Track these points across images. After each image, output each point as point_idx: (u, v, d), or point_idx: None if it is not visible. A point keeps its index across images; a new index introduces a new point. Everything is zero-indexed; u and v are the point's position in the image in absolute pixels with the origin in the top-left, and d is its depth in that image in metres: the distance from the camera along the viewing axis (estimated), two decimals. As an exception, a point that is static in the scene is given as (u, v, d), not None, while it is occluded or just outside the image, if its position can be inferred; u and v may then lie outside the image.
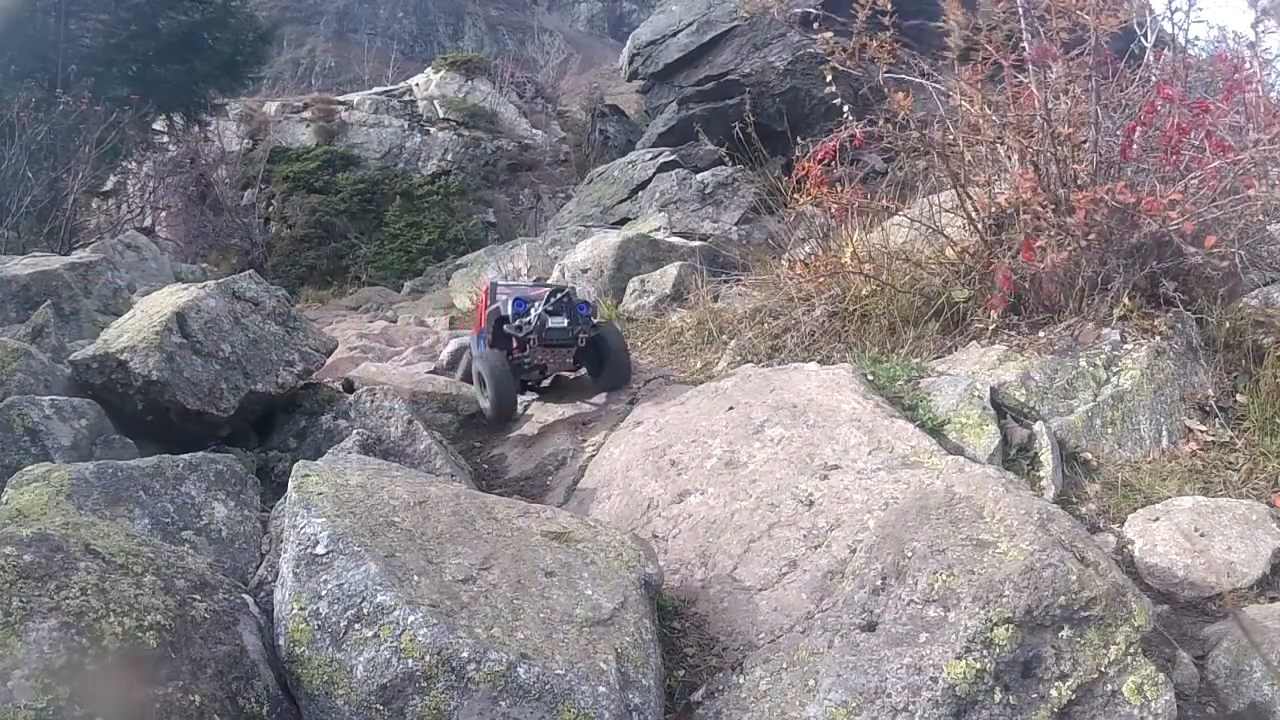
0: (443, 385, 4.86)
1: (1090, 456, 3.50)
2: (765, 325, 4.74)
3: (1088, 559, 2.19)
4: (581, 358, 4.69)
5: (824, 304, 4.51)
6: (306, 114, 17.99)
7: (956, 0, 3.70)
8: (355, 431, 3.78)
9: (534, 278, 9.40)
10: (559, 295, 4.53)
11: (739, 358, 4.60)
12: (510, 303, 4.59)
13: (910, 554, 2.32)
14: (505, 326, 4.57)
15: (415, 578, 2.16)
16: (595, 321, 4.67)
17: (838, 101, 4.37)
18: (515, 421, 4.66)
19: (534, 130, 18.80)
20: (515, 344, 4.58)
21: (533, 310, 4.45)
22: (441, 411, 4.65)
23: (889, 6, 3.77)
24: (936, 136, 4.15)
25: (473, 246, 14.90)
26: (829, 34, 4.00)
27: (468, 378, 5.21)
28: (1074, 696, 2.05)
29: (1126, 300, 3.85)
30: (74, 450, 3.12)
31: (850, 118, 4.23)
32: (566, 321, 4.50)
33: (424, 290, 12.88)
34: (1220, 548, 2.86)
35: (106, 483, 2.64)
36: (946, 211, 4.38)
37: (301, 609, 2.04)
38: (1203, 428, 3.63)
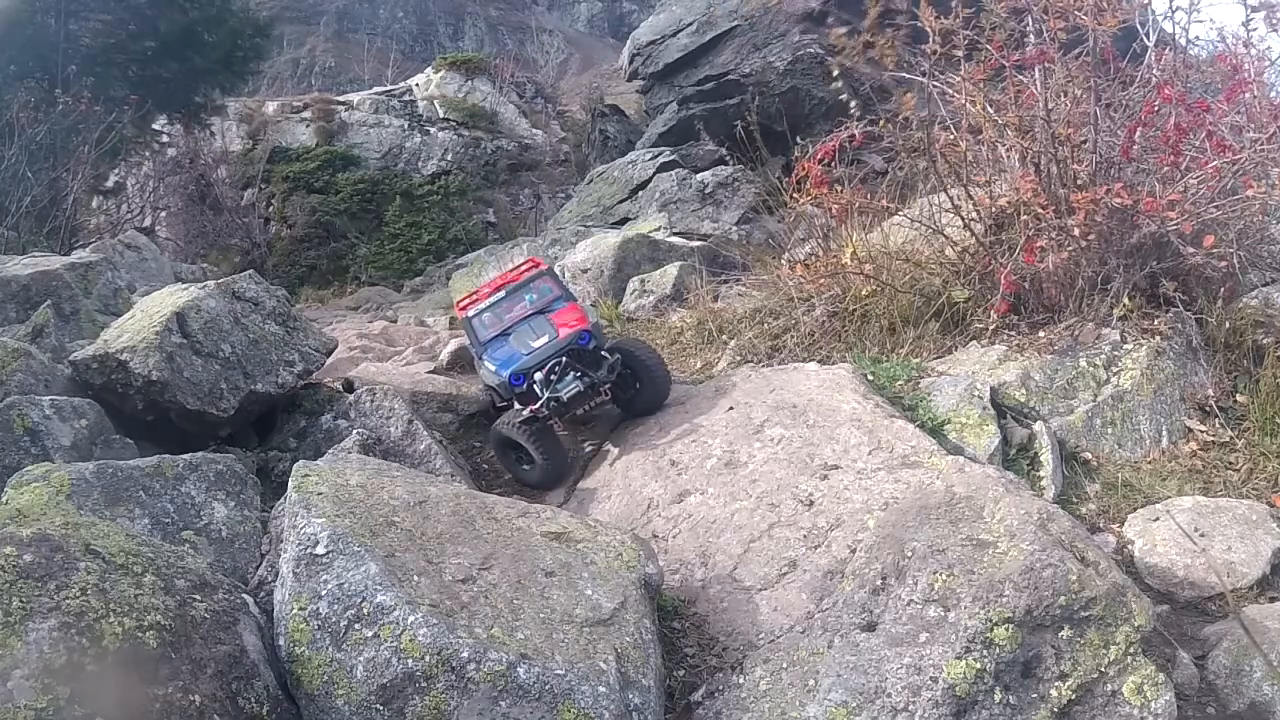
0: (443, 385, 4.84)
1: (1090, 456, 3.50)
2: (765, 325, 4.74)
3: (1088, 559, 2.19)
4: (613, 386, 3.94)
5: (824, 304, 4.51)
6: (306, 114, 17.99)
7: (931, 6, 3.70)
8: (355, 431, 3.78)
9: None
10: (557, 361, 3.76)
11: (739, 358, 4.60)
12: (506, 381, 3.83)
13: (910, 554, 2.32)
14: (516, 401, 3.85)
15: (415, 578, 2.16)
16: (608, 351, 3.91)
17: (844, 98, 4.36)
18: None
19: (534, 130, 18.79)
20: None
21: (537, 388, 3.72)
22: (441, 411, 4.64)
23: (904, 4, 3.77)
24: (938, 136, 4.15)
25: (473, 246, 14.88)
26: (841, 30, 3.99)
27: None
28: (1074, 696, 2.05)
29: (1126, 300, 3.85)
30: (74, 450, 3.12)
31: (857, 111, 4.22)
32: (583, 380, 3.74)
33: (424, 290, 12.87)
34: (1220, 548, 2.86)
35: (106, 483, 2.64)
36: (946, 211, 4.38)
37: (301, 609, 2.04)
38: (1203, 428, 3.63)
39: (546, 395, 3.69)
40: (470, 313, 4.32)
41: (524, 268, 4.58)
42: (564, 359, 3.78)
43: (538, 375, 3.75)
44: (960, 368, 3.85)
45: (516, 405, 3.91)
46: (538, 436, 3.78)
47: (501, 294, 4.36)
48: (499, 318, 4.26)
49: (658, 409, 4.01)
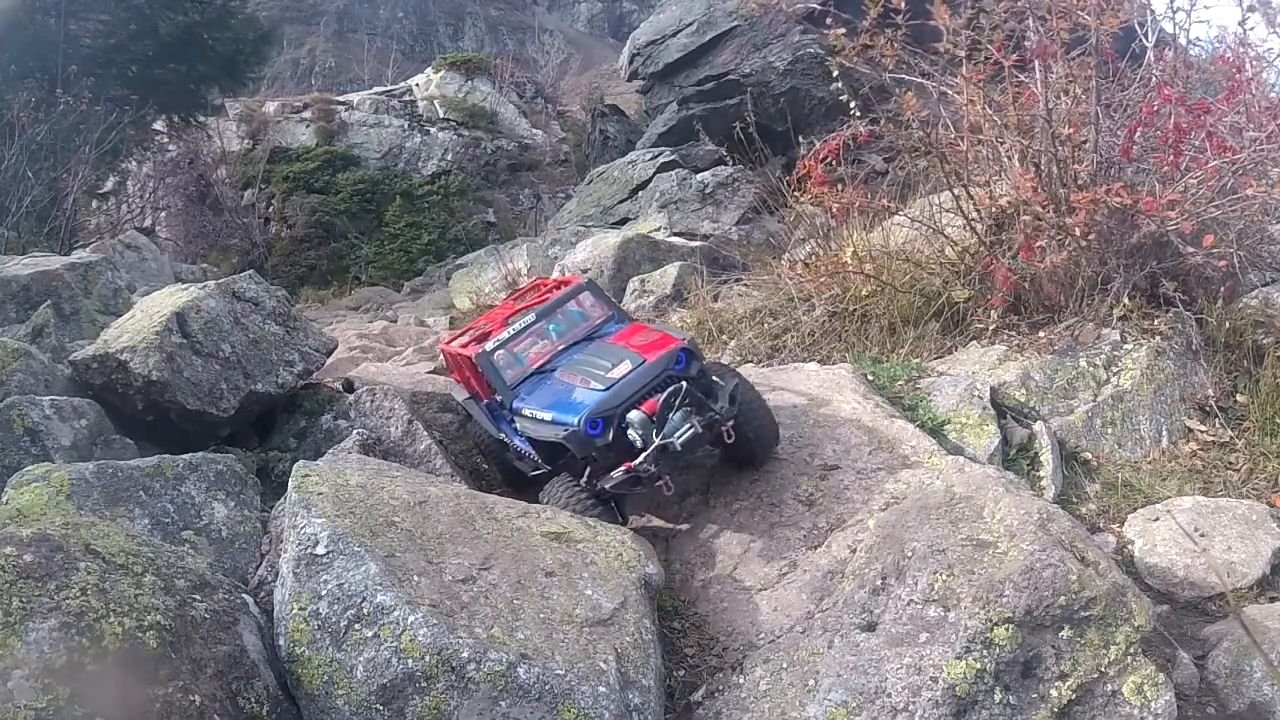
0: (443, 385, 4.83)
1: (1090, 456, 3.50)
2: (765, 325, 4.73)
3: (1088, 559, 2.19)
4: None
5: (824, 304, 4.51)
6: (306, 114, 17.99)
7: (945, 4, 3.69)
8: (355, 431, 3.78)
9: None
10: (675, 389, 2.74)
11: (739, 358, 4.60)
12: (580, 431, 2.72)
13: (910, 554, 2.32)
14: (592, 460, 2.81)
15: (415, 578, 2.16)
16: (714, 376, 2.97)
17: (844, 98, 4.35)
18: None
19: (534, 130, 18.80)
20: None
21: (634, 435, 2.70)
22: (441, 411, 4.63)
23: (901, 4, 3.76)
24: (938, 136, 4.15)
25: (473, 246, 14.88)
26: (840, 30, 3.98)
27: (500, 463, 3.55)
28: (1074, 696, 2.05)
29: (1126, 300, 3.85)
30: (74, 450, 3.12)
31: (857, 111, 4.22)
32: (698, 422, 2.70)
33: (424, 290, 12.87)
34: (1220, 548, 2.86)
35: (106, 483, 2.64)
36: (947, 211, 4.38)
37: (302, 609, 2.04)
38: (1203, 428, 3.63)
39: (657, 441, 2.64)
40: (489, 345, 3.22)
41: (551, 283, 3.70)
42: (684, 384, 2.74)
43: (633, 415, 2.69)
44: (960, 368, 3.85)
45: (563, 473, 2.88)
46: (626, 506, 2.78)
47: (532, 317, 3.31)
48: (517, 358, 3.23)
49: (763, 461, 3.08)
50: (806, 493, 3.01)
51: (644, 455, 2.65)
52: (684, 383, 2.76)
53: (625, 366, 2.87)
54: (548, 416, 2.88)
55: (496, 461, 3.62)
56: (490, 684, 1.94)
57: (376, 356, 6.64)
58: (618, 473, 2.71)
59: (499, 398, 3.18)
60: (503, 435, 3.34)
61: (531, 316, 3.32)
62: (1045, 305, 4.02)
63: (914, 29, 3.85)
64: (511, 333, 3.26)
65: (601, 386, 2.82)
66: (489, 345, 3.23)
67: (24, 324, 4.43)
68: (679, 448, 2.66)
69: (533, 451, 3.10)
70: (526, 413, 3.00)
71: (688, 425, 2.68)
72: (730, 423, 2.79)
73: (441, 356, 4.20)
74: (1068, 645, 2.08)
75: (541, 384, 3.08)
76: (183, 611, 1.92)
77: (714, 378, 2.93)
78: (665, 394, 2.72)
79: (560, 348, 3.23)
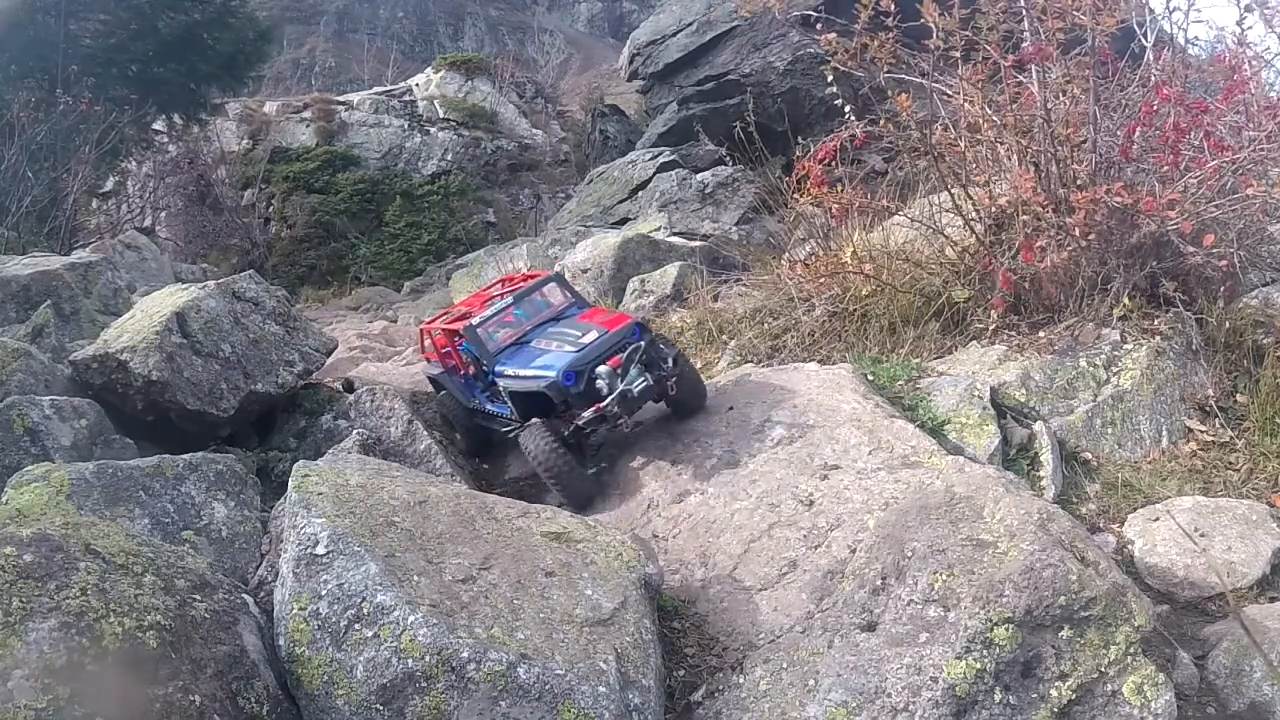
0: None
1: (1090, 456, 3.50)
2: (765, 325, 4.73)
3: (1088, 559, 2.20)
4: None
5: (824, 304, 4.51)
6: (306, 114, 17.98)
7: (935, 4, 3.70)
8: (355, 431, 3.78)
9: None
10: (636, 346, 3.42)
11: (739, 358, 4.60)
12: (557, 381, 3.34)
13: (910, 554, 2.32)
14: (566, 408, 3.45)
15: (415, 578, 2.16)
16: (661, 345, 3.63)
17: (839, 102, 4.36)
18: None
19: (534, 130, 18.79)
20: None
21: (602, 383, 3.34)
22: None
23: (892, 7, 3.76)
24: (936, 137, 4.14)
25: (473, 246, 14.88)
26: (832, 35, 3.99)
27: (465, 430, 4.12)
28: (1074, 696, 2.05)
29: (1126, 300, 3.85)
30: (74, 450, 3.12)
31: (852, 118, 4.22)
32: (650, 376, 3.39)
33: (424, 290, 12.87)
34: (1220, 548, 2.86)
35: (106, 483, 2.65)
36: (946, 211, 4.37)
37: (302, 609, 2.05)
38: (1203, 428, 3.63)
39: (620, 387, 3.30)
40: (475, 320, 3.84)
41: (521, 277, 4.24)
42: (642, 344, 3.41)
43: (601, 369, 3.34)
44: (960, 368, 3.85)
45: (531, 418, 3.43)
46: (556, 465, 3.34)
47: (509, 300, 3.97)
48: (491, 334, 3.83)
49: (696, 411, 3.69)
50: (806, 493, 3.01)
51: (609, 399, 3.31)
52: (642, 342, 3.44)
53: (593, 335, 3.54)
54: (529, 373, 3.51)
55: (463, 428, 4.12)
56: (490, 684, 1.94)
57: (376, 356, 6.65)
58: (589, 413, 3.34)
59: (482, 364, 3.77)
60: (474, 403, 3.97)
61: (509, 300, 3.97)
62: (1045, 305, 4.02)
63: (911, 30, 3.85)
64: (491, 312, 3.89)
65: (574, 349, 3.47)
66: (474, 320, 3.84)
67: (24, 324, 4.44)
68: (635, 394, 3.35)
69: (505, 412, 3.73)
70: (509, 373, 3.61)
71: (642, 378, 3.38)
72: (674, 379, 3.48)
73: (420, 336, 4.72)
74: (1068, 645, 2.08)
75: (520, 351, 3.69)
76: (183, 611, 1.92)
77: (661, 346, 3.59)
78: (628, 352, 3.40)
79: (528, 328, 3.84)
